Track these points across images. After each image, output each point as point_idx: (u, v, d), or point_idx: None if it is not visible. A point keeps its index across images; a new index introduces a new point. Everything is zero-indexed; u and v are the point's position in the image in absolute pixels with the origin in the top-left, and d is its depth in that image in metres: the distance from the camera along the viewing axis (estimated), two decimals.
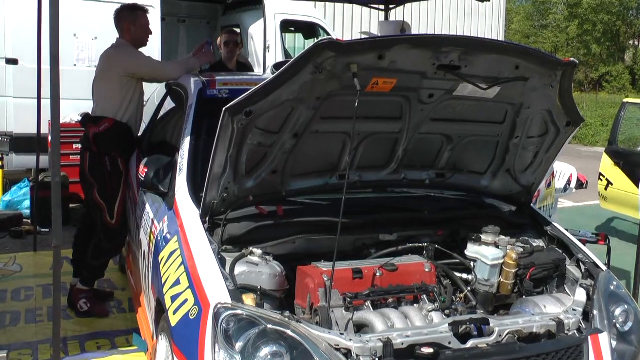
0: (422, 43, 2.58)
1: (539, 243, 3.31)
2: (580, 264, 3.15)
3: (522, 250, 3.10)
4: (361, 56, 2.49)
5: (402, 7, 7.00)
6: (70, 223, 6.13)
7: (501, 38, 17.00)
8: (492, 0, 7.01)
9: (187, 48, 8.99)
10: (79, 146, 4.62)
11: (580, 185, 6.23)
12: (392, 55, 2.53)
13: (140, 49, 4.43)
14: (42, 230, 6.33)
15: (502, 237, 3.09)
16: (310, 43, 9.72)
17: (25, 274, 5.39)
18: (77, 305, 4.46)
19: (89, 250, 4.41)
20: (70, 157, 6.51)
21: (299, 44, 10.02)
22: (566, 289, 3.12)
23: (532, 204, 3.56)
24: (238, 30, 7.81)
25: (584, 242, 3.72)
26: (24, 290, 4.98)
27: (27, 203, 7.06)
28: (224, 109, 2.57)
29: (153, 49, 6.66)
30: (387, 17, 6.78)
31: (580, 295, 2.92)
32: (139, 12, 4.43)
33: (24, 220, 6.86)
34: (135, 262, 4.05)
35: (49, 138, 6.81)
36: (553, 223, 3.44)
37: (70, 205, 6.84)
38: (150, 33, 4.51)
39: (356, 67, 2.49)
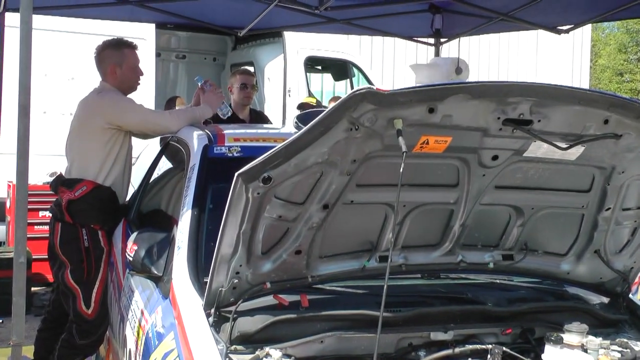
0: (483, 92, 2.65)
1: None
2: None
3: (619, 355, 3.08)
4: (407, 109, 2.58)
5: (456, 40, 7.17)
6: (31, 312, 6.20)
7: (585, 77, 17.07)
8: (573, 30, 7.09)
9: (188, 90, 9.16)
10: (48, 214, 4.72)
11: None
12: (445, 107, 2.61)
13: (130, 95, 4.57)
14: None
15: (592, 337, 3.08)
16: (341, 85, 9.86)
17: None
18: None
19: (57, 348, 4.45)
20: (35, 227, 6.64)
21: (328, 86, 10.19)
22: None
23: (631, 295, 3.58)
24: (252, 69, 7.99)
25: None
26: None
27: None
28: (236, 174, 2.64)
29: (145, 92, 6.84)
30: (437, 54, 6.97)
31: None
32: (125, 49, 4.54)
33: None
34: None
35: (8, 203, 6.99)
36: None
37: (32, 289, 6.92)
38: (141, 74, 4.64)
39: (401, 123, 2.57)
